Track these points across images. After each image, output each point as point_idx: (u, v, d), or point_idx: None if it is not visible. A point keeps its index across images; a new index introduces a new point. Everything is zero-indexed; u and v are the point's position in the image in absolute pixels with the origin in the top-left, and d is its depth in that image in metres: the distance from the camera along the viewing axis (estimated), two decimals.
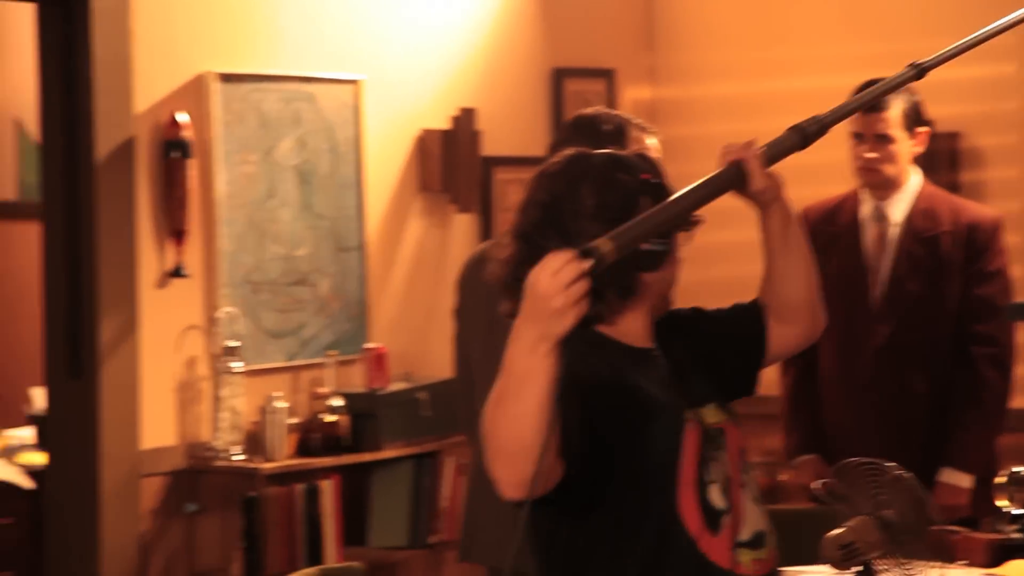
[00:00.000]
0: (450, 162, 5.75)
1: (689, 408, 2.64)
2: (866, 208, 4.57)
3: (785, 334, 2.82)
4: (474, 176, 5.81)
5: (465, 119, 5.82)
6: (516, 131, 5.93)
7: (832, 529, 3.31)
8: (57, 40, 4.97)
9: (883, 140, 4.47)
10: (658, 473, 2.57)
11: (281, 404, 5.13)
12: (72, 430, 4.89)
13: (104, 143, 4.92)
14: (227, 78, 5.24)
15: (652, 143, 3.71)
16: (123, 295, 4.93)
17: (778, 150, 2.75)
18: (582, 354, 2.47)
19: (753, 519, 2.65)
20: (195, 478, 5.04)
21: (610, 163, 2.64)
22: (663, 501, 2.57)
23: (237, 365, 5.07)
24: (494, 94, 5.95)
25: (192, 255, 5.11)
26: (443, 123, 5.77)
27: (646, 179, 2.63)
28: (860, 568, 3.22)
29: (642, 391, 2.60)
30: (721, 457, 2.63)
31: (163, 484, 5.02)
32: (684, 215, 2.58)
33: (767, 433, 5.44)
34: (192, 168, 5.09)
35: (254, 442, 5.11)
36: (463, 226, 5.81)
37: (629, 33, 6.40)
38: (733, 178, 2.69)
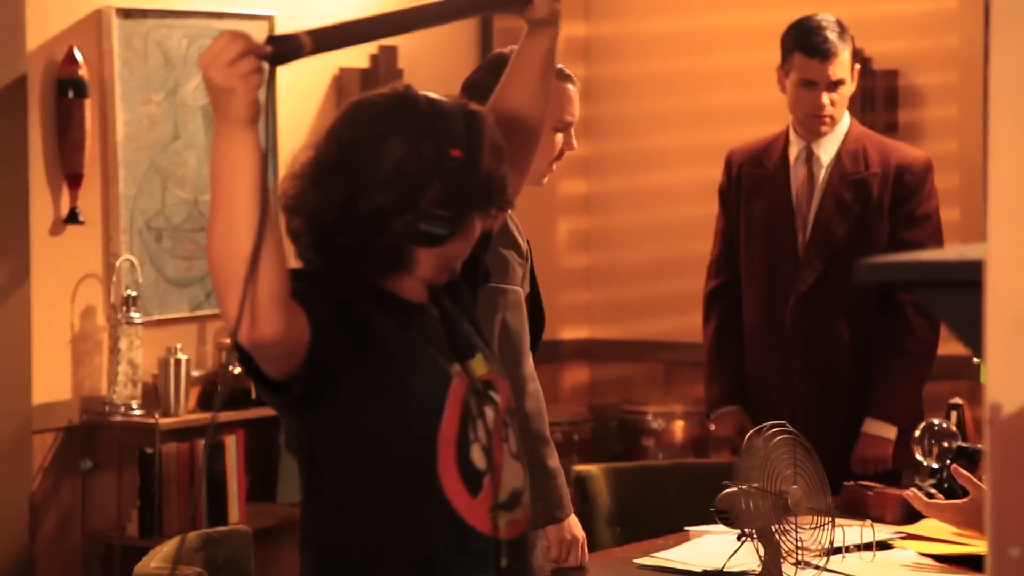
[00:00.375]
0: None
1: (458, 360, 2.47)
2: (795, 149, 4.35)
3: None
4: None
5: (385, 58, 5.59)
6: (440, 70, 5.68)
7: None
8: None
9: (836, 86, 4.25)
10: (418, 428, 2.40)
11: (182, 356, 4.91)
12: None
13: None
14: (127, 13, 5.00)
15: (573, 93, 3.47)
16: (14, 241, 4.70)
17: None
18: (349, 295, 2.37)
19: (511, 477, 2.48)
20: (91, 433, 4.83)
21: (424, 125, 2.42)
22: (422, 460, 2.40)
23: (136, 316, 4.84)
24: (416, 35, 5.70)
25: (89, 200, 4.88)
26: (362, 62, 5.54)
27: (454, 156, 2.41)
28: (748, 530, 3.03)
29: (403, 343, 2.42)
30: (487, 413, 2.46)
31: (56, 440, 4.80)
32: (430, 24, 2.48)
33: (695, 382, 5.26)
34: (89, 108, 4.84)
35: (153, 396, 4.89)
36: None
37: None
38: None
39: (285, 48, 2.19)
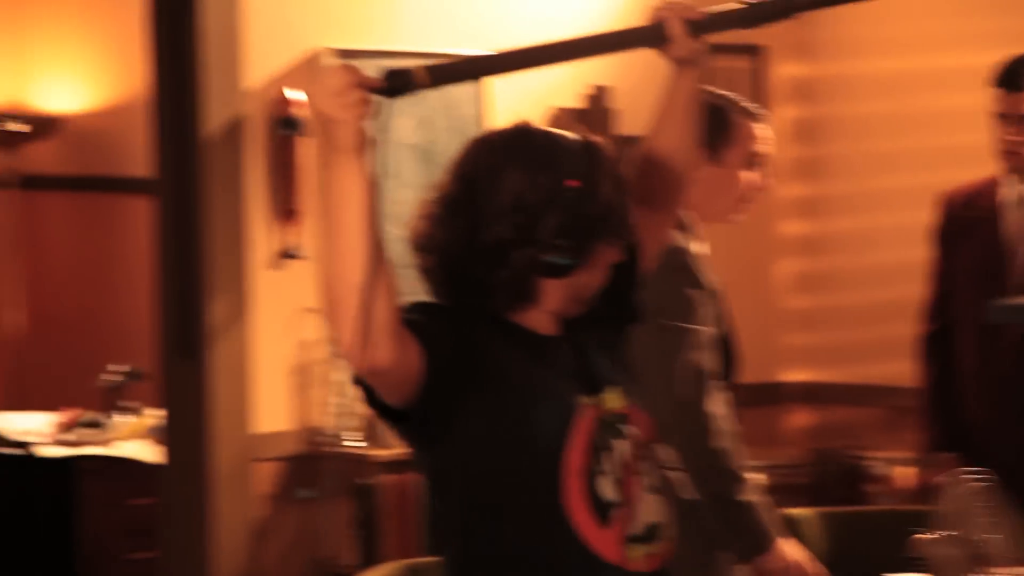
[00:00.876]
0: None
1: (589, 393, 2.45)
2: (1009, 192, 4.26)
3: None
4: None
5: (599, 97, 5.62)
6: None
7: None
8: (167, 15, 4.88)
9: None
10: (542, 460, 2.39)
11: None
12: (183, 412, 4.79)
13: (214, 119, 4.81)
14: (343, 54, 5.10)
15: (762, 130, 3.45)
16: (233, 275, 4.82)
17: (718, 20, 2.58)
18: (474, 327, 2.39)
19: (648, 511, 2.46)
20: (310, 464, 4.91)
21: (541, 156, 2.45)
22: (547, 490, 2.39)
23: None
24: (631, 71, 5.71)
25: (309, 235, 4.98)
26: (576, 102, 5.57)
27: (571, 186, 2.43)
28: None
29: (529, 376, 2.43)
30: (618, 446, 2.44)
31: (276, 469, 4.89)
32: (553, 62, 2.47)
33: (902, 427, 5.15)
34: (306, 146, 4.95)
35: (371, 428, 4.95)
36: None
37: None
38: (651, 36, 2.56)
39: (399, 81, 2.27)
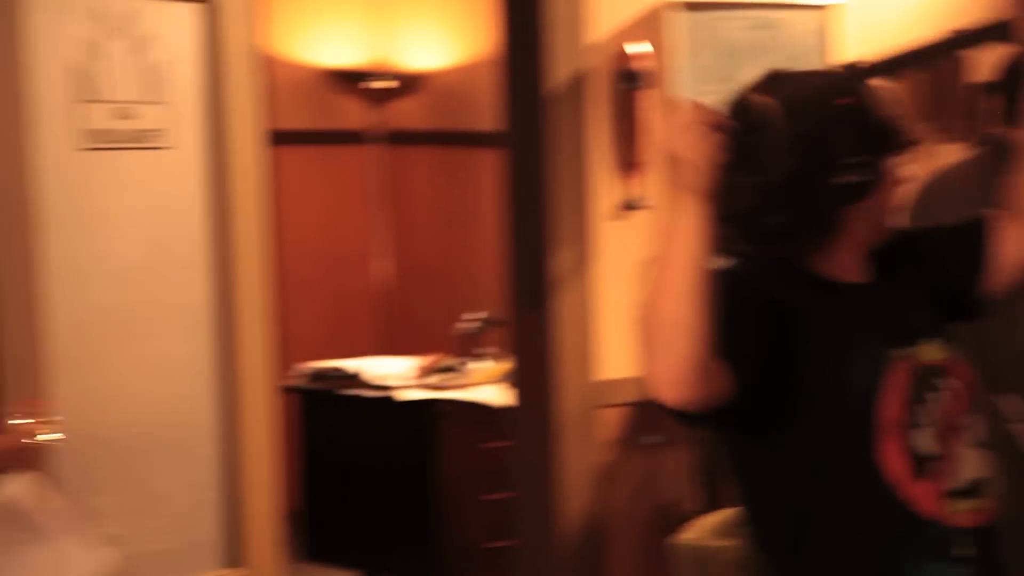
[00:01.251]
0: (936, 90, 5.44)
1: (902, 346, 2.42)
2: None
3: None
4: (960, 104, 5.47)
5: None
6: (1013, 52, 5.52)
7: None
8: None
9: None
10: (855, 415, 2.38)
11: None
12: (531, 358, 4.93)
13: (559, 73, 4.92)
14: (691, 6, 5.14)
15: None
16: (578, 226, 4.93)
17: None
18: (776, 285, 2.37)
19: (972, 466, 2.43)
20: (653, 410, 4.96)
21: (802, 87, 2.46)
22: (860, 444, 2.38)
23: None
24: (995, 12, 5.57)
25: (651, 186, 5.05)
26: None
27: (846, 104, 2.44)
28: None
29: (837, 328, 2.41)
30: (937, 398, 2.41)
31: (620, 415, 4.99)
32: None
33: None
34: (647, 99, 5.02)
35: None
36: (951, 158, 5.48)
37: None
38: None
39: (750, 116, 2.24)
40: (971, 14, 5.49)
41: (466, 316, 6.09)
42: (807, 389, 2.38)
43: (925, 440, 2.39)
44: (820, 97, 2.42)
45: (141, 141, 4.32)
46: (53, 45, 4.10)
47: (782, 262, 2.44)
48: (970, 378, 2.47)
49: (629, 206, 5.01)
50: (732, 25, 5.22)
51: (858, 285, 2.47)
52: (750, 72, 5.16)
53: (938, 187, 3.47)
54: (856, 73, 2.51)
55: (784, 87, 2.46)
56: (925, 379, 2.41)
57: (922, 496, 2.38)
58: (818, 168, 2.40)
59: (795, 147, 2.39)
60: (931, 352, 2.45)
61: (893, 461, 2.37)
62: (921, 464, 2.38)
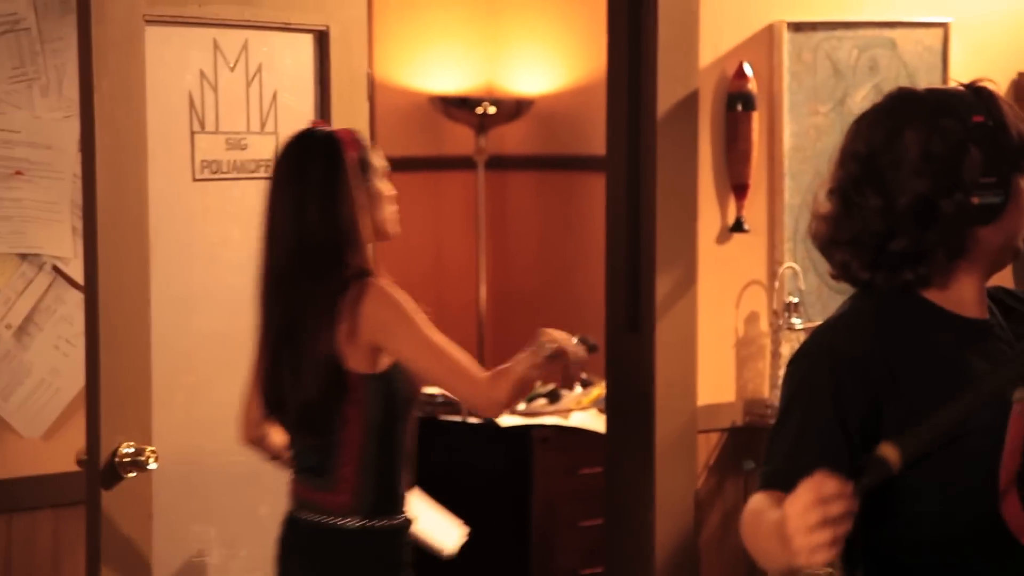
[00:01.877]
0: None
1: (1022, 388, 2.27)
2: None
3: None
4: None
5: None
6: None
7: None
8: None
9: None
10: (975, 463, 2.25)
11: None
12: (630, 383, 4.86)
13: (667, 96, 4.85)
14: (798, 27, 5.07)
15: None
16: (682, 249, 4.85)
17: None
18: (899, 329, 2.26)
19: None
20: (753, 435, 4.89)
21: (934, 105, 2.34)
22: (982, 495, 2.25)
23: (797, 322, 4.88)
24: None
25: (754, 209, 4.97)
26: None
27: (978, 122, 2.31)
28: None
29: (964, 371, 2.28)
30: None
31: (720, 440, 4.90)
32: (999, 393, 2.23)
33: None
34: (757, 121, 4.94)
35: None
36: None
37: None
38: None
39: (874, 478, 2.04)
40: None
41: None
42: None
43: None
44: (955, 113, 2.33)
45: (250, 171, 4.33)
46: (176, 76, 4.15)
47: (899, 295, 2.33)
48: None
49: (735, 228, 4.92)
50: (842, 45, 5.13)
51: (983, 322, 2.35)
52: (861, 92, 5.14)
53: None
54: (983, 91, 2.38)
55: (913, 105, 2.37)
56: None
57: None
58: (947, 188, 2.30)
59: (927, 168, 2.30)
60: None
61: (1014, 515, 2.24)
62: None
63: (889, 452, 2.05)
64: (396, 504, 3.35)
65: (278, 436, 3.62)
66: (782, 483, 2.20)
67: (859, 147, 2.38)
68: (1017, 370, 2.22)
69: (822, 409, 2.26)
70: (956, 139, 2.31)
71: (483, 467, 5.92)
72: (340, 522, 3.34)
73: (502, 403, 3.26)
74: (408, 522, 3.40)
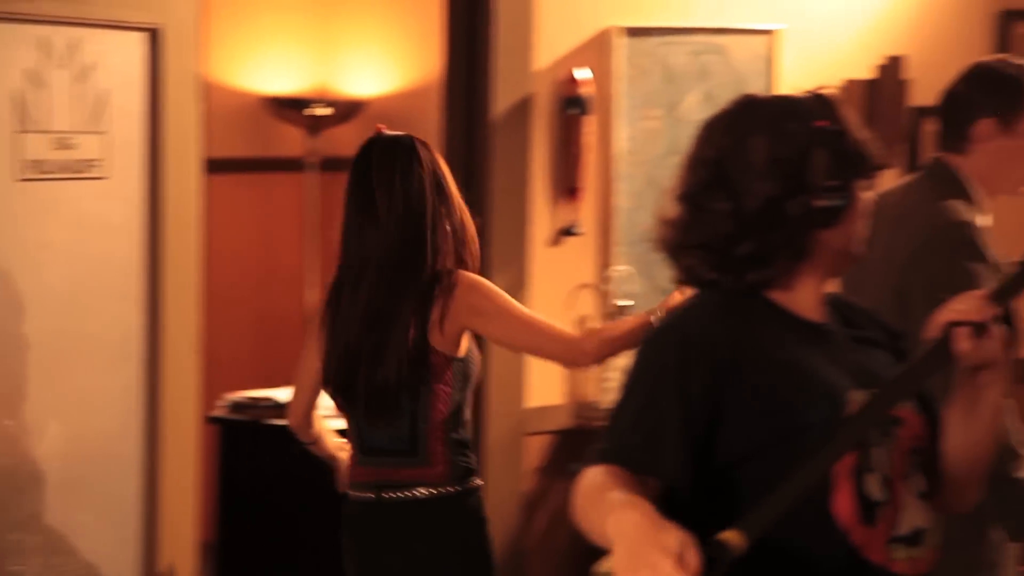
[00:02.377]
0: (875, 114, 5.42)
1: (859, 389, 2.33)
2: None
3: None
4: (900, 128, 5.46)
5: (892, 68, 5.48)
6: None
7: None
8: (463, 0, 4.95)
9: None
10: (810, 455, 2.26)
11: None
12: None
13: (503, 99, 4.85)
14: (632, 32, 5.09)
15: None
16: (515, 252, 4.84)
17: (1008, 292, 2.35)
18: (743, 322, 2.30)
19: (913, 514, 2.35)
20: (581, 438, 4.89)
21: (779, 110, 2.38)
22: (814, 493, 2.27)
23: None
24: (928, 40, 5.57)
25: (587, 213, 4.97)
26: (867, 73, 5.44)
27: (821, 127, 2.36)
28: None
29: (803, 370, 2.32)
30: (888, 444, 2.33)
31: (548, 443, 4.90)
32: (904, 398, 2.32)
33: None
34: (590, 124, 4.95)
35: None
36: (889, 182, 5.44)
37: None
38: (939, 359, 2.32)
39: (721, 563, 2.06)
40: (903, 44, 5.50)
41: None
42: (761, 433, 2.29)
43: (875, 486, 2.31)
44: (800, 117, 2.36)
45: (78, 171, 4.24)
46: (0, 74, 4.05)
47: (744, 295, 2.36)
48: (921, 429, 2.40)
49: (566, 232, 4.92)
50: (675, 51, 5.16)
51: (822, 326, 2.40)
52: (693, 98, 5.17)
53: (876, 212, 3.40)
54: (825, 98, 2.41)
55: (759, 110, 2.39)
56: (881, 425, 2.33)
57: (870, 542, 2.30)
58: (792, 190, 2.33)
59: (773, 171, 2.33)
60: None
61: (844, 504, 2.29)
62: (870, 510, 2.30)
63: (732, 537, 2.10)
64: (475, 469, 3.66)
65: (330, 438, 3.86)
66: (623, 458, 2.25)
67: (707, 152, 2.41)
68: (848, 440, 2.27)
69: (666, 386, 2.29)
70: (801, 143, 2.35)
71: (308, 471, 5.83)
72: (440, 491, 3.58)
73: (590, 354, 3.57)
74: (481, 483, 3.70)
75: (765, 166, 2.34)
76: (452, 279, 3.54)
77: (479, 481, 3.67)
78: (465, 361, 3.59)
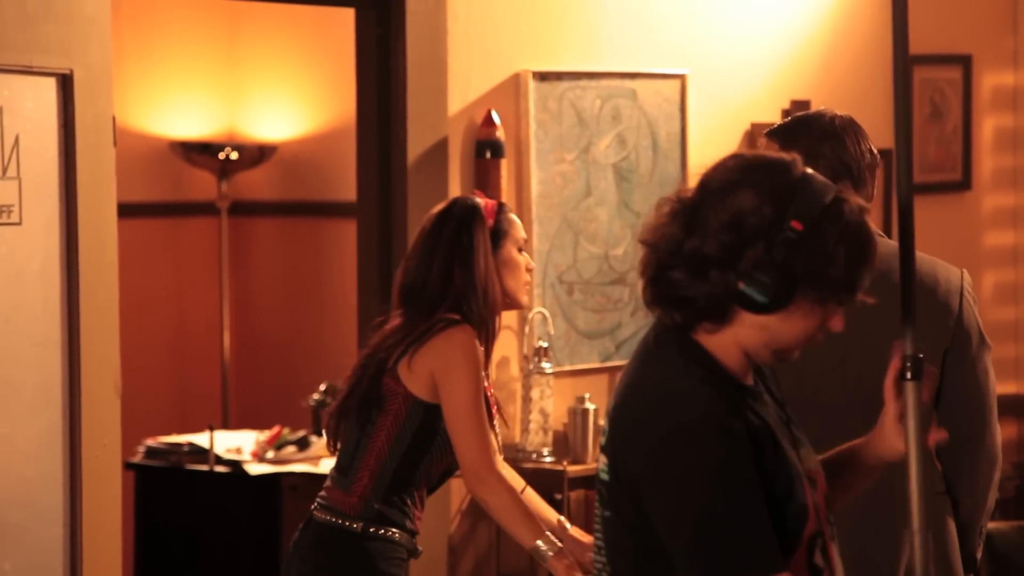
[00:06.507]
0: None
1: (796, 450, 2.34)
2: None
3: None
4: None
5: (798, 112, 5.57)
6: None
7: None
8: (373, 42, 4.99)
9: None
10: (791, 536, 2.27)
11: (591, 406, 4.99)
12: None
13: (418, 143, 4.90)
14: (543, 76, 5.16)
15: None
16: None
17: None
18: (722, 395, 2.28)
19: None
20: None
21: (781, 187, 2.31)
22: (787, 551, 2.26)
23: (547, 366, 4.95)
24: (832, 84, 5.69)
25: None
26: (775, 117, 5.54)
27: (791, 227, 2.28)
28: None
29: (777, 438, 2.32)
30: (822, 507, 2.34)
31: None
32: None
33: None
34: (505, 168, 5.01)
35: (563, 444, 4.98)
36: None
37: (989, 14, 6.03)
38: None
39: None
40: (809, 89, 5.61)
41: (319, 388, 5.98)
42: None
43: (818, 554, 2.29)
44: (782, 209, 2.27)
45: None
46: None
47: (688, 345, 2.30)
48: (825, 485, 2.38)
49: None
50: (586, 94, 5.24)
51: (752, 387, 2.34)
52: (604, 141, 5.25)
53: None
54: (841, 204, 2.32)
55: (770, 176, 2.30)
56: (814, 486, 2.32)
57: None
58: (723, 261, 2.27)
59: (723, 234, 2.26)
60: (810, 458, 2.36)
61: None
62: None
63: None
64: (399, 524, 3.55)
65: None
66: (778, 565, 2.23)
67: (708, 177, 2.36)
68: None
69: (739, 479, 2.25)
70: (763, 228, 2.27)
71: (231, 515, 5.84)
72: (341, 522, 3.54)
73: (490, 486, 3.52)
74: (412, 545, 3.59)
75: (727, 224, 2.28)
76: (445, 324, 3.54)
77: (395, 534, 3.54)
78: (425, 408, 3.52)
